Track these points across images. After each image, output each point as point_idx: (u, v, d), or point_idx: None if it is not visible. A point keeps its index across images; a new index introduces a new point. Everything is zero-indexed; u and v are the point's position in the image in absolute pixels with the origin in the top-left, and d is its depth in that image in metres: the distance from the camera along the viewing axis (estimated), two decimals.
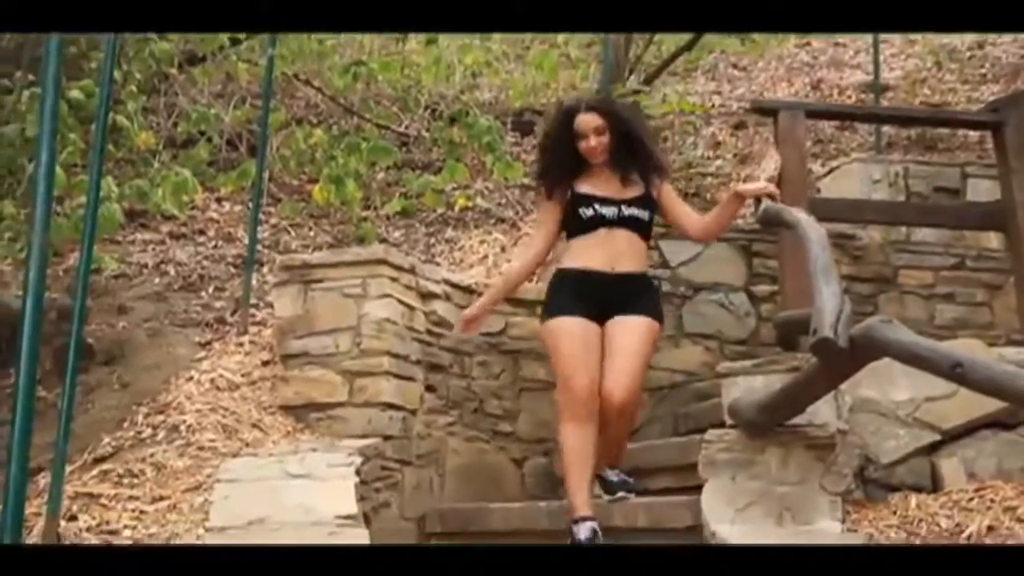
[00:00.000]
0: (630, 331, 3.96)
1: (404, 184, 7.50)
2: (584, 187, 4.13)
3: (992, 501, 3.97)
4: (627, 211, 4.05)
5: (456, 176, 7.33)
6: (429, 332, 5.22)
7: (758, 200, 4.17)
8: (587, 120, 4.06)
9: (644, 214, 4.09)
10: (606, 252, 4.01)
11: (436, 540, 4.86)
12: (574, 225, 4.10)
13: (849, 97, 9.20)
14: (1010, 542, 3.63)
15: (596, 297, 3.98)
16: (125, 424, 4.61)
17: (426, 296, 5.23)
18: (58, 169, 5.16)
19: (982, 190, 6.65)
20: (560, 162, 4.12)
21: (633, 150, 4.10)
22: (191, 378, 4.94)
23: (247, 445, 4.47)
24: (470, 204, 7.28)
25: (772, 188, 4.11)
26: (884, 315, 3.40)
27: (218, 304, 5.77)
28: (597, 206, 4.03)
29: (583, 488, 3.93)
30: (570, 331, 3.94)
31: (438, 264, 6.27)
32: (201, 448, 4.37)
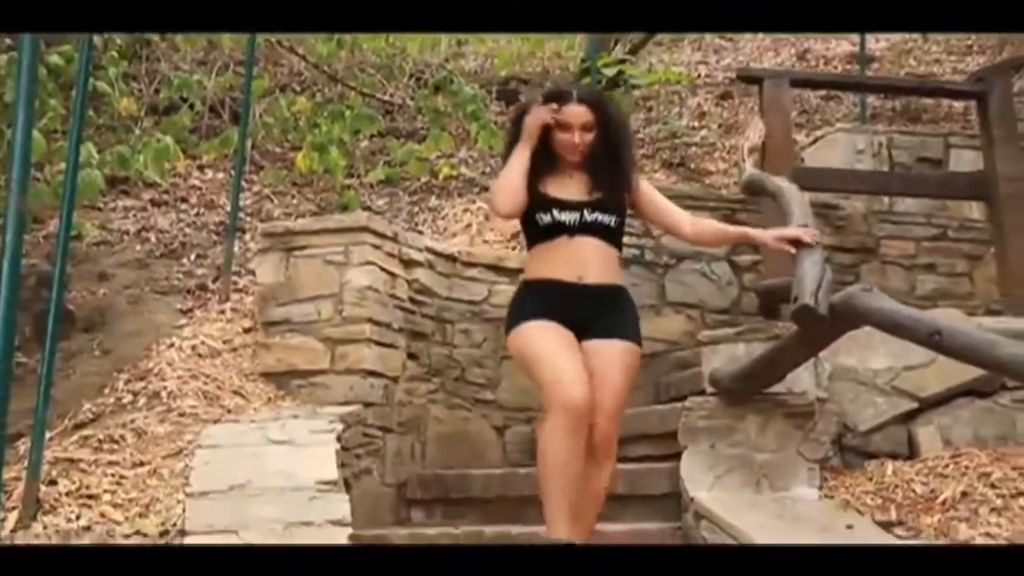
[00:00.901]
0: (610, 363, 3.38)
1: (388, 152, 7.48)
2: (546, 186, 3.53)
3: (967, 468, 4.02)
4: (590, 216, 3.47)
5: (440, 145, 7.33)
6: (411, 300, 5.22)
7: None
8: (577, 112, 3.48)
9: (610, 219, 3.50)
10: (571, 261, 3.43)
11: (416, 506, 4.89)
12: (531, 230, 3.54)
13: (835, 68, 9.20)
14: (983, 508, 3.67)
15: (567, 311, 3.40)
16: (106, 390, 4.60)
17: (409, 264, 5.23)
18: (38, 135, 5.13)
19: (965, 160, 6.68)
20: (537, 152, 3.52)
21: (613, 154, 3.54)
22: (172, 345, 4.93)
23: (228, 411, 4.47)
24: (454, 173, 7.27)
25: (790, 235, 3.55)
26: (864, 284, 3.42)
27: (200, 271, 5.76)
28: (556, 212, 3.46)
29: (563, 508, 3.27)
30: (548, 333, 3.34)
31: (421, 232, 6.26)
32: (182, 414, 4.37)
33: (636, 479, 4.38)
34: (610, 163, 3.53)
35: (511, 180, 3.44)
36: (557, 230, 3.46)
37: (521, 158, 3.47)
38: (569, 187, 3.51)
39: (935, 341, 2.93)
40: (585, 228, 3.46)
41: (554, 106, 3.49)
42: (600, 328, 3.41)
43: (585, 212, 3.47)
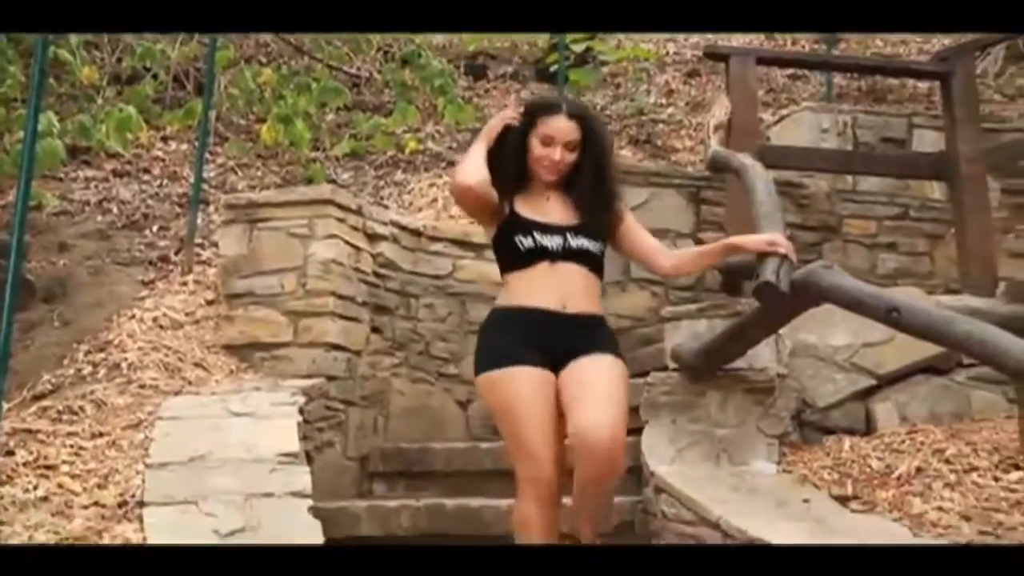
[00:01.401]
0: (597, 369, 3.09)
1: (354, 126, 7.43)
2: (522, 206, 3.20)
3: (922, 444, 4.08)
4: (575, 242, 3.16)
5: (407, 118, 7.28)
6: (376, 274, 5.21)
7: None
8: (564, 128, 3.18)
9: (595, 246, 3.21)
10: (555, 289, 3.12)
11: (379, 480, 4.90)
12: (508, 254, 3.20)
13: (803, 47, 9.22)
14: (937, 483, 3.73)
15: (548, 342, 3.09)
16: (65, 361, 4.57)
17: (373, 237, 5.21)
18: None
19: (928, 141, 6.73)
20: (512, 161, 3.19)
21: (597, 177, 3.24)
22: (133, 316, 4.89)
23: (189, 384, 4.46)
24: (421, 147, 7.23)
25: (772, 245, 3.26)
26: (824, 260, 3.44)
27: (162, 243, 5.71)
28: (537, 235, 3.14)
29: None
30: (525, 387, 3.04)
31: (387, 207, 6.24)
32: (143, 386, 4.34)
33: None
34: (594, 187, 3.22)
35: (473, 158, 3.16)
36: (539, 255, 3.14)
37: (479, 149, 3.18)
38: (547, 209, 3.20)
39: (893, 318, 2.97)
40: (569, 254, 3.16)
41: (520, 109, 3.25)
42: (581, 350, 3.12)
43: (569, 237, 3.16)
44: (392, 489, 4.89)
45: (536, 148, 3.18)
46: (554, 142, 3.17)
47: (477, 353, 3.21)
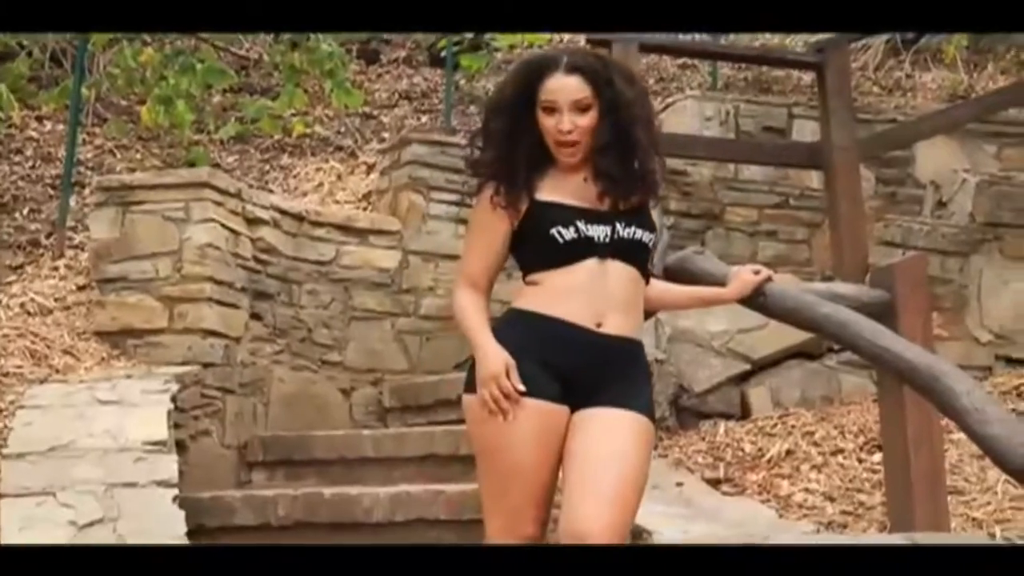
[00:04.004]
0: (611, 445, 2.37)
1: (240, 108, 7.28)
2: (550, 191, 2.50)
3: (793, 427, 4.19)
4: (625, 231, 2.47)
5: (294, 102, 7.16)
6: (256, 259, 5.12)
7: None
8: (566, 86, 2.45)
9: (648, 237, 2.51)
10: (592, 297, 2.43)
11: (258, 469, 4.82)
12: (539, 250, 2.47)
13: (692, 36, 9.33)
14: (805, 465, 3.83)
15: (570, 369, 2.42)
16: None
17: (253, 222, 5.11)
18: None
19: (808, 130, 6.86)
20: (523, 150, 2.49)
21: (630, 146, 2.48)
22: None
23: (57, 371, 4.32)
24: (308, 131, 7.13)
25: (757, 274, 2.86)
26: (697, 247, 3.50)
27: (33, 226, 5.52)
28: (581, 224, 2.44)
29: None
30: (525, 429, 2.36)
31: (272, 191, 6.13)
32: (5, 374, 4.20)
33: None
34: (626, 158, 2.48)
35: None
36: (583, 250, 2.44)
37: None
38: (585, 192, 2.48)
39: (760, 303, 3.02)
40: (618, 249, 2.46)
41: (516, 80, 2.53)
42: (608, 394, 2.43)
43: (619, 226, 2.47)
44: (272, 478, 4.81)
45: (542, 120, 2.47)
46: (557, 106, 2.45)
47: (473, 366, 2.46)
